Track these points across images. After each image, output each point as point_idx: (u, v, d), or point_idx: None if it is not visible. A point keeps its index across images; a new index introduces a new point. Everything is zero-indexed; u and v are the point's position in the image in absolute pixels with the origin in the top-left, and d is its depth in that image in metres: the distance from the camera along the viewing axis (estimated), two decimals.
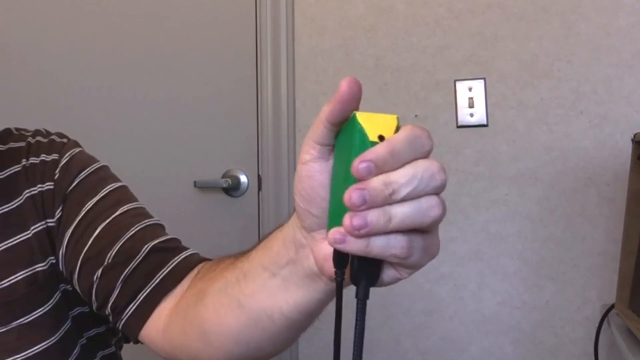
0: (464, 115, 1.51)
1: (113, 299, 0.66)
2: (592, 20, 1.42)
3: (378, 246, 0.40)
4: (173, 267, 0.66)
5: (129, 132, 1.76)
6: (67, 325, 0.72)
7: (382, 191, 0.39)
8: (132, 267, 0.66)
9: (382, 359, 1.60)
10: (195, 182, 1.68)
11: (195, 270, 0.66)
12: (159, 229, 0.72)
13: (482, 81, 1.49)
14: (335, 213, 0.43)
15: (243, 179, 1.69)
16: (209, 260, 0.68)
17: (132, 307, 0.65)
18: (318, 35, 1.61)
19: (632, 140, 1.17)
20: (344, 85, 0.42)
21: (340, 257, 0.44)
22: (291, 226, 0.50)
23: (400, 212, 0.39)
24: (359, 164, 0.39)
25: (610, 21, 1.41)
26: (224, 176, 1.69)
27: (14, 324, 0.69)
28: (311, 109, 1.63)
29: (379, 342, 1.59)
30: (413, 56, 1.54)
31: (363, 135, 0.40)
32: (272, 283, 0.52)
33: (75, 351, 0.73)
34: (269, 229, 1.67)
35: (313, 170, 0.45)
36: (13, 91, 1.82)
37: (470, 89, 1.50)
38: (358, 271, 0.42)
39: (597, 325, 1.31)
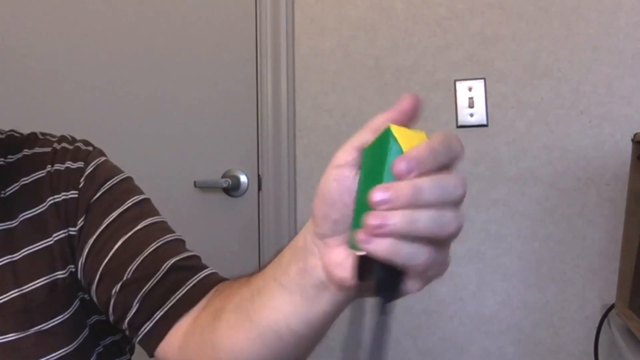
0: (464, 115, 1.51)
1: (130, 315, 0.66)
2: (592, 20, 1.42)
3: (404, 253, 0.40)
4: (192, 287, 0.66)
5: (129, 132, 1.76)
6: (85, 333, 0.72)
7: (406, 191, 0.39)
8: (151, 284, 0.66)
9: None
10: (195, 182, 1.68)
11: (213, 290, 0.66)
12: (180, 245, 0.71)
13: (482, 81, 1.49)
14: (358, 219, 0.43)
15: (243, 179, 1.69)
16: (227, 279, 0.68)
17: (148, 325, 0.65)
18: (318, 35, 1.61)
19: (632, 140, 1.17)
20: (406, 99, 0.44)
21: (363, 269, 0.43)
22: (302, 233, 0.49)
23: (424, 217, 0.39)
24: (400, 162, 0.39)
25: (610, 21, 1.41)
26: (224, 176, 1.69)
27: (33, 330, 0.68)
28: (311, 109, 1.63)
29: None
30: (413, 56, 1.54)
31: (398, 145, 0.41)
32: (281, 296, 0.51)
33: (91, 359, 0.73)
34: (269, 229, 1.68)
35: (343, 175, 0.45)
36: (13, 91, 1.82)
37: (470, 89, 1.50)
38: (381, 283, 0.41)
39: (597, 325, 1.31)
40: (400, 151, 0.41)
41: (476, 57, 1.50)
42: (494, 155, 1.49)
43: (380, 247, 0.39)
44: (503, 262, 1.50)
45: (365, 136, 0.45)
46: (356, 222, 0.44)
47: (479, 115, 1.50)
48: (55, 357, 0.69)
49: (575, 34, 1.43)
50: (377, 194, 0.39)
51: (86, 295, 0.72)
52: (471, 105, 1.50)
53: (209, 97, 1.71)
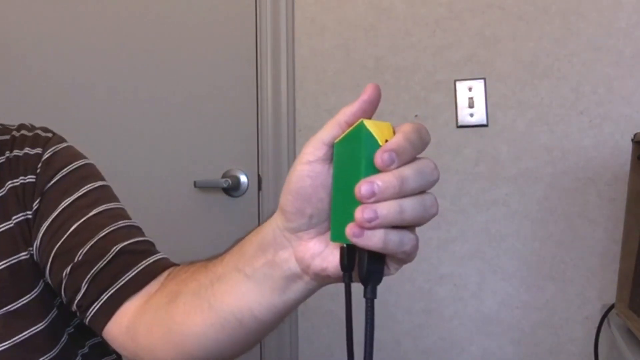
0: (464, 115, 1.51)
1: (79, 296, 0.67)
2: (592, 20, 1.42)
3: (394, 242, 0.41)
4: (140, 270, 0.67)
5: (129, 132, 1.76)
6: (53, 313, 0.73)
7: (391, 182, 0.40)
8: (100, 266, 0.66)
9: (382, 359, 1.60)
10: (195, 182, 1.68)
11: (165, 273, 0.67)
12: (133, 230, 0.72)
13: (482, 81, 1.49)
14: (341, 212, 0.44)
15: (243, 179, 1.69)
16: (178, 265, 0.69)
17: (96, 306, 0.66)
18: (318, 35, 1.61)
19: (632, 140, 1.17)
20: (371, 88, 0.44)
21: (348, 259, 0.45)
22: (270, 228, 0.51)
23: (410, 205, 0.41)
24: (382, 154, 0.40)
25: (610, 21, 1.41)
26: (224, 176, 1.69)
27: (0, 312, 0.69)
28: (311, 109, 1.63)
29: (379, 342, 1.59)
30: (413, 56, 1.54)
31: (373, 138, 0.42)
32: (245, 285, 0.52)
33: (62, 339, 0.74)
34: None
35: (316, 171, 0.46)
36: (13, 90, 1.82)
37: (470, 89, 1.50)
38: (368, 271, 0.43)
39: (597, 325, 1.31)
40: (377, 144, 0.42)
41: (476, 57, 1.50)
42: (494, 155, 1.49)
43: (373, 240, 0.40)
44: (503, 262, 1.50)
45: (333, 131, 0.45)
46: (336, 215, 0.45)
47: (479, 115, 1.50)
48: (25, 337, 0.70)
49: (575, 34, 1.43)
50: (364, 187, 0.40)
51: (45, 278, 0.73)
52: (471, 105, 1.50)
53: (209, 97, 1.71)
